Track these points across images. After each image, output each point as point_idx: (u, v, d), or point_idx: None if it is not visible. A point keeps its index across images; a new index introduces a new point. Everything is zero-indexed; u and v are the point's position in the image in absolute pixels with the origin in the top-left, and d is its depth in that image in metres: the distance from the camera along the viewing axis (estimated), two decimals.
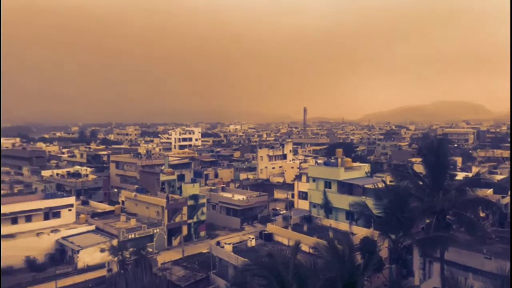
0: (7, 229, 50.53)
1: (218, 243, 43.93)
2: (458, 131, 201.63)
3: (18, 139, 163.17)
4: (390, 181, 33.27)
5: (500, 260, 26.08)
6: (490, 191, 51.01)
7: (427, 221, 29.50)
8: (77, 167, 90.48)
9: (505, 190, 56.60)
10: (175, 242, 57.21)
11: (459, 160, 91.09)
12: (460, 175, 42.20)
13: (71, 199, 58.18)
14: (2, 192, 71.00)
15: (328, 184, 54.75)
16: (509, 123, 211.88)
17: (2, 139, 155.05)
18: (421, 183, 29.46)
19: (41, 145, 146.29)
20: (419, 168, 35.91)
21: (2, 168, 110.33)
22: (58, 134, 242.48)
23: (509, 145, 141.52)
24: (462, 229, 28.20)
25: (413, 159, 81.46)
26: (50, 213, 54.98)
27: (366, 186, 49.85)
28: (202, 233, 61.14)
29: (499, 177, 68.34)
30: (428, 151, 29.48)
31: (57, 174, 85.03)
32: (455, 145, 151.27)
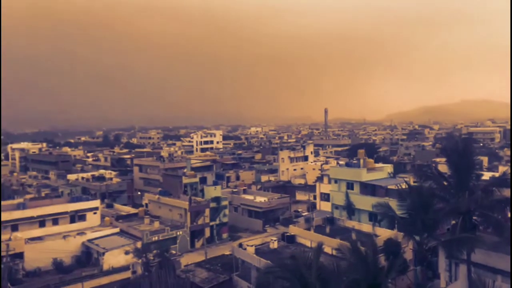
0: (35, 232, 52.02)
1: (240, 245, 44.04)
2: (484, 130, 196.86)
3: (44, 144, 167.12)
4: (414, 182, 32.88)
5: None
6: None
7: (453, 222, 28.99)
8: (102, 171, 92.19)
9: None
10: (198, 244, 57.68)
11: (485, 159, 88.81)
12: (487, 175, 41.23)
13: (96, 202, 59.32)
14: (30, 196, 72.93)
15: (350, 185, 54.26)
16: None
17: (30, 144, 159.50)
18: (445, 183, 28.92)
19: (66, 149, 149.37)
20: (443, 168, 35.26)
21: (30, 173, 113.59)
22: (82, 138, 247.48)
23: None
24: (489, 230, 27.58)
25: (437, 159, 79.96)
26: (76, 216, 56.18)
27: (389, 187, 49.21)
28: (225, 235, 61.45)
29: None
30: (453, 150, 28.95)
31: (82, 178, 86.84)
32: (481, 144, 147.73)
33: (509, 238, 26.20)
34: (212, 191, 62.64)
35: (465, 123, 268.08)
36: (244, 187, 78.21)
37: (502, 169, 62.43)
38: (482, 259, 28.63)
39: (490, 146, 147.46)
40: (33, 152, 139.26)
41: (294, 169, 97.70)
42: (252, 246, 42.50)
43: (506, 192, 28.86)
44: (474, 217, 27.43)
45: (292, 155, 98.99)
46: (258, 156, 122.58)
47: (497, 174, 41.78)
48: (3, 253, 43.48)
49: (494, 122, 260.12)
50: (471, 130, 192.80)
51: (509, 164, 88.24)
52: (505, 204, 28.03)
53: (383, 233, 41.72)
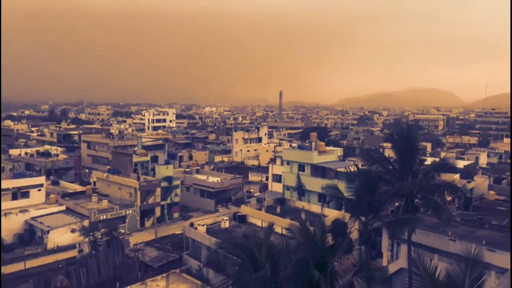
0: None
1: (191, 225, 44.00)
2: (429, 117, 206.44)
3: None
4: (362, 165, 33.93)
5: (464, 242, 27.21)
6: (457, 176, 52.77)
7: (396, 204, 30.32)
8: (47, 147, 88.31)
9: (471, 175, 58.75)
10: (148, 223, 57.00)
11: (428, 145, 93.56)
12: (429, 160, 43.41)
13: (41, 179, 56.87)
14: None
15: (301, 167, 55.33)
16: (477, 110, 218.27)
17: None
18: (391, 167, 30.13)
19: (8, 123, 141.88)
20: (390, 153, 36.74)
21: None
22: (27, 112, 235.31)
23: (476, 132, 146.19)
24: (429, 212, 29.12)
25: (385, 144, 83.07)
26: (19, 193, 53.66)
27: (338, 169, 50.67)
28: (176, 215, 61.06)
29: (466, 162, 70.67)
30: (399, 136, 30.10)
31: (26, 153, 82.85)
32: (426, 131, 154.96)
33: (447, 220, 27.86)
34: (164, 170, 61.77)
35: (412, 110, 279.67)
36: (197, 167, 77.72)
37: (444, 155, 65.93)
38: (421, 239, 30.39)
39: (434, 133, 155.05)
40: None
41: (248, 150, 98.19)
42: (203, 225, 42.57)
43: (446, 177, 30.50)
44: (416, 200, 28.84)
45: (246, 136, 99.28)
46: (212, 136, 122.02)
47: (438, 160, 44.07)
48: None
49: (439, 110, 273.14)
50: (417, 117, 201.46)
51: (451, 150, 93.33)
52: (444, 187, 29.66)
53: (331, 214, 43.07)
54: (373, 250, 35.99)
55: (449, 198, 39.25)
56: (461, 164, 64.04)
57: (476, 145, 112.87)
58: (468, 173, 59.89)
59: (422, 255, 23.62)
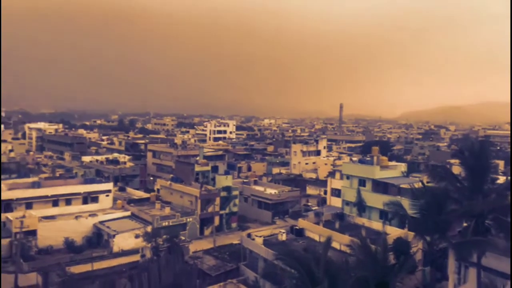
0: (48, 210, 53.07)
1: (249, 235, 44.22)
2: (501, 133, 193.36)
3: (60, 125, 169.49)
4: (428, 182, 32.50)
5: None
6: None
7: (465, 224, 28.66)
8: (116, 154, 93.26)
9: None
10: (207, 232, 58.11)
11: (501, 163, 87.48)
12: (502, 179, 40.64)
13: (109, 185, 60.09)
14: (45, 175, 74.15)
15: (362, 182, 53.88)
16: None
17: (46, 124, 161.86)
18: (459, 185, 28.57)
19: (82, 131, 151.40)
20: (457, 170, 34.88)
21: (46, 153, 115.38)
22: (98, 121, 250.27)
23: None
24: (501, 235, 27.20)
25: (452, 161, 78.89)
26: (89, 198, 57.03)
27: (401, 185, 48.78)
28: (234, 225, 61.78)
29: None
30: (469, 152, 28.53)
31: (97, 160, 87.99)
32: (498, 147, 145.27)
33: None
34: (224, 180, 62.89)
35: (482, 126, 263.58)
36: (255, 178, 78.32)
37: None
38: (492, 263, 28.30)
39: (507, 150, 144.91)
40: (49, 132, 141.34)
41: (306, 163, 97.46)
42: (260, 237, 42.65)
43: None
44: (486, 221, 27.08)
45: (304, 149, 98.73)
46: (270, 148, 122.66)
47: None
48: (17, 230, 44.61)
49: None
50: (488, 133, 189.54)
51: None
52: None
53: (393, 232, 41.42)
54: (438, 272, 34.11)
55: None
56: None
57: None
58: None
59: (493, 280, 22.06)
